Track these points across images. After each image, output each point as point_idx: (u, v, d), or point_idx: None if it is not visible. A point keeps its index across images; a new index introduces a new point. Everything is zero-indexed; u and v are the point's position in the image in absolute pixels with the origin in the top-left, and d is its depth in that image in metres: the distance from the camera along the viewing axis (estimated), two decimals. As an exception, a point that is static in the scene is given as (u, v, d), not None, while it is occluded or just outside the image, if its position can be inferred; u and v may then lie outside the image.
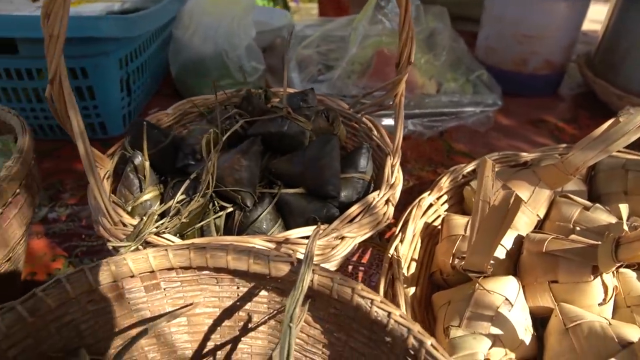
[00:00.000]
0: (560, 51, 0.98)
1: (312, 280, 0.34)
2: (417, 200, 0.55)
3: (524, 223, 0.53)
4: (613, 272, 0.44)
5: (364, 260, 0.59)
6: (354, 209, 0.43)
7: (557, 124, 0.93)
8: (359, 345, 0.35)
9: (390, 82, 0.49)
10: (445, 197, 0.59)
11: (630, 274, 0.46)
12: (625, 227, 0.43)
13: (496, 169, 0.57)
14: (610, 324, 0.39)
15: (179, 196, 0.42)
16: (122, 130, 0.83)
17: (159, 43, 0.93)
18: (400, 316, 0.31)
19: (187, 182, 0.43)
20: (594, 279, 0.42)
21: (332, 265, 0.46)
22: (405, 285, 0.47)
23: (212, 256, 0.35)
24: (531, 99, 1.01)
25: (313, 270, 0.34)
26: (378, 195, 0.45)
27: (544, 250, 0.46)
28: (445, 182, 0.59)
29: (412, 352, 0.31)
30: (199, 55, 0.90)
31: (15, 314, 0.33)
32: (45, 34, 0.37)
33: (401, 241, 0.50)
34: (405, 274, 0.49)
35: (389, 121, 0.81)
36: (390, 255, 0.49)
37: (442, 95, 0.89)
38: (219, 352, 0.40)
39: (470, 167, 0.61)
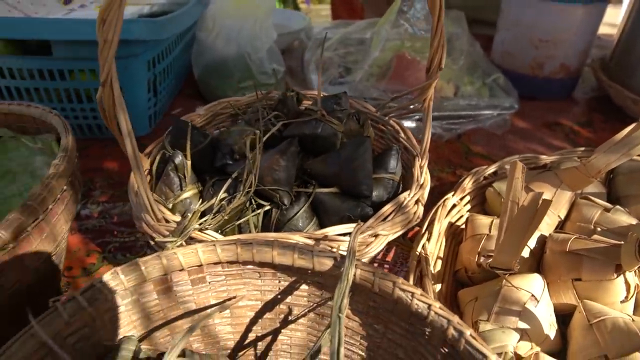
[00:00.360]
0: (576, 55, 1.00)
1: (354, 274, 0.36)
2: (441, 201, 0.57)
3: (546, 224, 0.55)
4: (635, 271, 0.46)
5: (388, 259, 0.61)
6: (387, 208, 0.45)
7: (572, 127, 0.94)
8: (396, 336, 0.37)
9: (419, 87, 0.51)
10: (467, 198, 0.61)
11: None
12: None
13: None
14: (633, 320, 0.41)
15: (222, 194, 0.44)
16: (147, 130, 0.86)
17: (182, 45, 0.95)
18: (440, 308, 0.33)
19: (229, 181, 0.45)
20: (617, 277, 0.44)
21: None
22: (433, 282, 0.49)
23: (259, 251, 0.37)
24: (546, 102, 1.03)
25: (355, 264, 0.36)
26: (409, 195, 0.47)
27: (567, 250, 0.47)
28: (468, 184, 0.61)
29: (451, 342, 0.32)
30: (222, 57, 0.92)
31: (75, 303, 0.35)
32: (99, 39, 0.38)
33: (428, 239, 0.52)
34: (433, 272, 0.51)
35: (408, 123, 0.83)
36: (418, 253, 0.51)
37: (459, 98, 0.90)
38: (259, 343, 0.42)
39: (491, 169, 0.63)
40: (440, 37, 0.46)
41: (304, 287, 0.40)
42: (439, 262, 0.53)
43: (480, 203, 0.63)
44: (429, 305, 0.33)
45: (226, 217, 0.44)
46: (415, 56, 0.89)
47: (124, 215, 0.69)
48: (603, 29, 1.16)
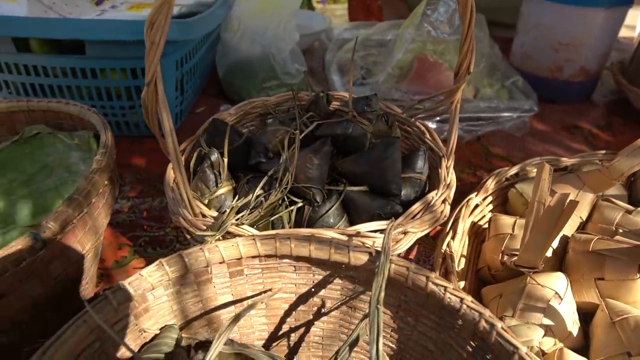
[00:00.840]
0: (596, 59, 1.00)
1: (389, 269, 0.37)
2: (465, 200, 0.59)
3: (568, 225, 0.56)
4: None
5: (412, 256, 0.63)
6: (416, 207, 0.47)
7: (591, 130, 0.95)
8: (426, 329, 0.39)
9: (447, 90, 0.53)
10: (490, 199, 0.62)
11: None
12: None
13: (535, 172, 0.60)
14: (656, 318, 0.42)
15: (258, 190, 0.46)
16: (174, 127, 0.88)
17: (207, 46, 0.97)
18: (472, 302, 0.35)
19: (265, 178, 0.47)
20: (639, 277, 0.45)
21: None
22: (457, 279, 0.50)
23: (296, 246, 0.39)
24: (565, 105, 1.04)
25: (390, 259, 0.37)
26: (436, 194, 0.49)
27: (590, 250, 0.49)
28: (490, 184, 0.62)
29: (481, 335, 0.34)
30: (246, 57, 0.94)
31: (123, 292, 0.37)
32: (147, 41, 0.40)
33: (452, 238, 0.54)
34: (457, 269, 0.53)
35: (430, 124, 0.84)
36: (443, 251, 0.52)
37: (479, 100, 0.92)
38: (292, 335, 0.44)
39: (513, 171, 0.64)
40: (470, 43, 0.48)
41: (337, 280, 0.42)
42: (462, 260, 0.55)
43: (502, 203, 0.64)
44: (462, 299, 0.35)
45: (262, 213, 0.46)
46: (438, 59, 0.90)
47: (153, 210, 0.71)
48: (623, 32, 1.16)
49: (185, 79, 0.86)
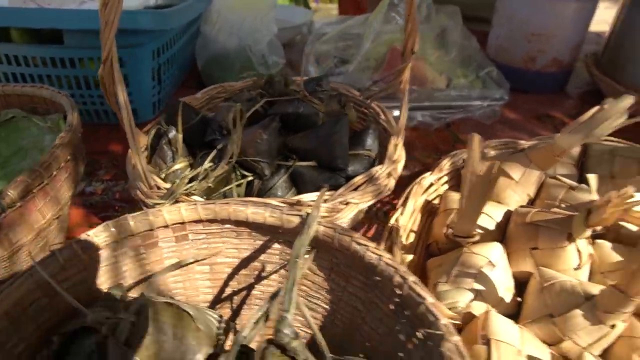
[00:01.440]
0: (568, 50, 1.03)
1: (317, 231, 0.40)
2: (418, 179, 0.61)
3: (515, 201, 0.59)
4: (589, 241, 0.50)
5: (369, 235, 0.65)
6: (358, 179, 0.49)
7: (562, 119, 0.97)
8: (356, 290, 0.41)
9: (396, 70, 0.55)
10: (445, 178, 0.65)
11: (606, 244, 0.51)
12: (595, 197, 0.48)
13: (493, 153, 0.62)
14: (580, 283, 0.45)
15: (207, 163, 0.49)
16: (151, 116, 0.91)
17: (186, 38, 1.00)
18: (389, 259, 0.37)
19: (215, 151, 0.49)
20: (568, 244, 0.47)
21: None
22: (403, 252, 0.53)
23: (235, 210, 0.42)
24: (538, 96, 1.06)
25: (319, 222, 0.40)
26: (381, 168, 0.51)
27: (527, 221, 0.51)
28: (446, 165, 0.64)
29: (397, 290, 0.36)
30: (224, 49, 0.97)
31: (70, 250, 0.39)
32: (102, 20, 0.43)
33: (401, 213, 0.56)
34: (404, 242, 0.55)
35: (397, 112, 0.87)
36: (390, 225, 0.54)
37: (451, 89, 0.94)
38: (235, 297, 0.47)
39: (470, 152, 0.67)
40: (412, 23, 0.50)
41: (276, 245, 0.44)
42: (412, 235, 0.57)
43: (458, 184, 0.66)
44: (380, 257, 0.37)
45: (211, 184, 0.48)
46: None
47: (125, 192, 0.74)
48: (599, 26, 1.19)
49: (162, 69, 0.89)
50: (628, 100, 0.55)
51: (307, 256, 0.41)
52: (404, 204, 0.57)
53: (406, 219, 0.56)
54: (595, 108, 0.56)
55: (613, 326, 0.42)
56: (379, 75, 0.93)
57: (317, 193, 0.47)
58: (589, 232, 0.46)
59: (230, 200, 0.42)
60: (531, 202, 0.60)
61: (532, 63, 1.04)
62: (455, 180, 0.66)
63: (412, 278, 0.36)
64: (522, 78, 1.05)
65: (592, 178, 0.52)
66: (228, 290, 0.46)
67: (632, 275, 0.39)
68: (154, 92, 0.89)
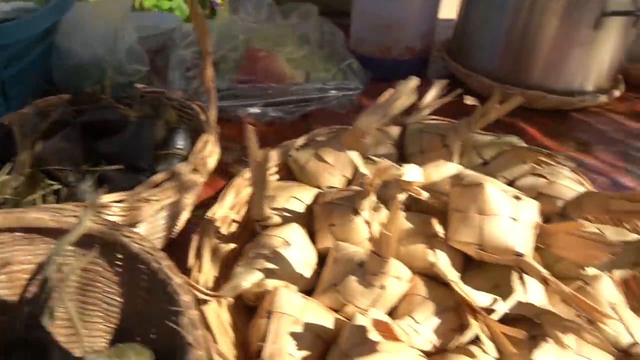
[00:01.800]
0: (419, 38, 1.09)
1: (92, 229, 0.42)
2: (243, 171, 0.64)
3: (332, 183, 0.63)
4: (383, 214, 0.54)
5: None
6: (158, 176, 0.51)
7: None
8: (135, 279, 0.43)
9: (200, 70, 0.58)
10: (276, 169, 0.68)
11: (402, 214, 0.56)
12: (366, 172, 0.53)
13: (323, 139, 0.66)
14: (356, 252, 0.49)
15: (3, 176, 0.50)
16: None
17: (39, 51, 0.98)
18: (151, 247, 0.40)
19: (8, 164, 0.50)
20: (355, 218, 0.52)
21: (147, 230, 0.53)
22: (219, 241, 0.55)
23: (18, 217, 0.43)
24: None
25: (95, 221, 0.42)
26: (185, 165, 0.54)
27: (327, 201, 0.55)
28: (274, 155, 0.68)
29: (156, 275, 0.39)
30: (80, 61, 0.96)
31: None
32: None
33: (220, 205, 0.59)
34: (224, 232, 0.57)
35: (253, 110, 0.90)
36: (206, 217, 0.57)
37: (308, 83, 0.98)
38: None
39: (300, 141, 0.70)
40: (200, 28, 0.53)
41: (69, 247, 0.45)
42: (234, 225, 0.60)
43: (289, 174, 0.69)
44: (142, 246, 0.40)
45: (8, 196, 0.49)
46: (262, 48, 0.97)
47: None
48: (453, 14, 1.27)
49: (8, 84, 0.87)
50: (414, 82, 0.60)
51: (87, 253, 0.43)
52: (223, 195, 0.60)
53: (225, 210, 0.59)
54: (389, 91, 0.61)
55: (382, 287, 0.46)
56: (237, 75, 0.96)
57: (114, 195, 0.49)
58: (371, 204, 0.51)
59: (17, 209, 0.43)
60: (349, 183, 0.64)
61: (388, 52, 1.10)
62: (287, 170, 0.69)
63: (165, 263, 0.38)
64: (381, 67, 1.11)
65: (354, 155, 0.57)
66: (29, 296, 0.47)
67: (384, 240, 0.44)
68: (1, 109, 0.87)
